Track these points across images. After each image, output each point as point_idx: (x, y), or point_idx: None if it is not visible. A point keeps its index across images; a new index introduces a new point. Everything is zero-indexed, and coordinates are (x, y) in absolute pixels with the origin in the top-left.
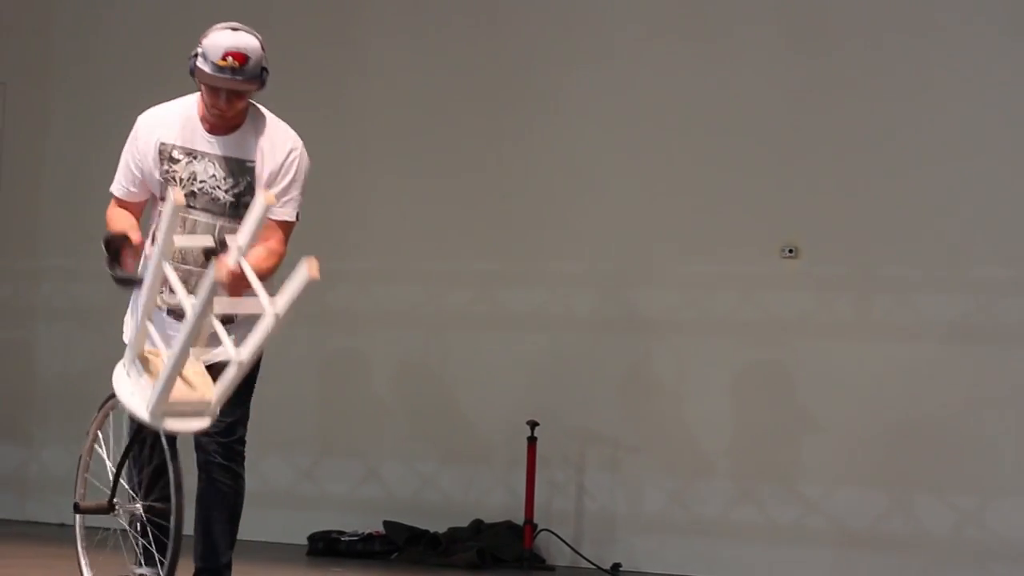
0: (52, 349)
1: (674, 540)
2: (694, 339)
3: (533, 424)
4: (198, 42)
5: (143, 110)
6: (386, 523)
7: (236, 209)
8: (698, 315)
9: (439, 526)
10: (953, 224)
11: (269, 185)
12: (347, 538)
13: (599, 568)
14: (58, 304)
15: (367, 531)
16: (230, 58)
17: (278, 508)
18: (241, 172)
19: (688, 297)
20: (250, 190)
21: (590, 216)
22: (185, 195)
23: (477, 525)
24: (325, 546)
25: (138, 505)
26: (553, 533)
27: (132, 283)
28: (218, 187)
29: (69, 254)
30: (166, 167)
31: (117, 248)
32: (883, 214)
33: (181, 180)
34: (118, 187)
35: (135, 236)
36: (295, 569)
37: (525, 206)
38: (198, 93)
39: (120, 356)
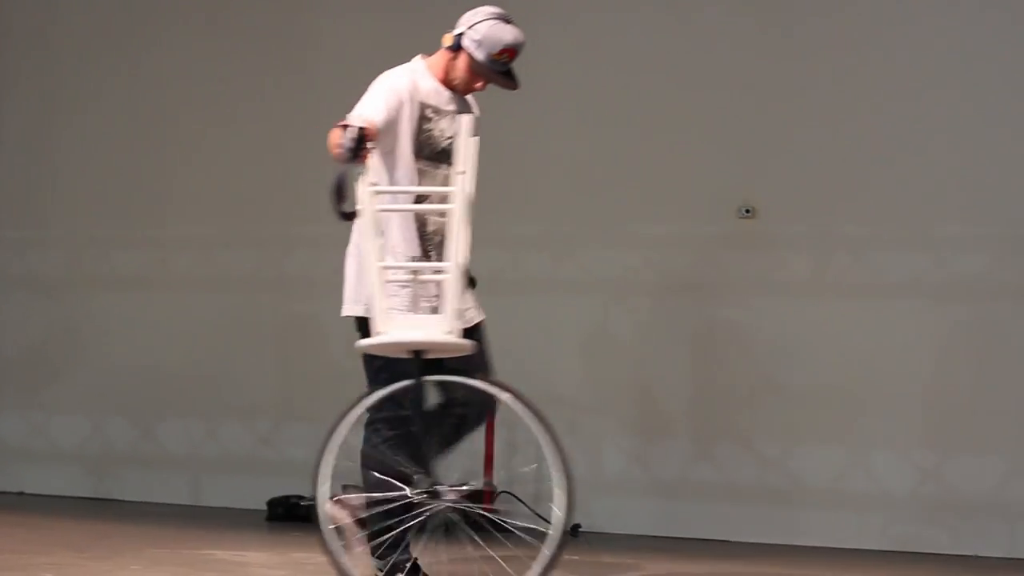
0: (9, 320)
1: (633, 501)
2: (652, 300)
3: None
4: (467, 20)
5: (98, 78)
6: (346, 487)
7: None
8: (656, 275)
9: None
10: (910, 182)
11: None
12: (307, 503)
13: None
14: (15, 272)
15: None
16: (506, 55)
17: (237, 474)
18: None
19: (646, 257)
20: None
21: (549, 177)
22: (437, 152)
23: None
24: (285, 511)
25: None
26: (513, 495)
27: (354, 217)
28: (450, 139)
29: (24, 225)
30: (424, 126)
31: (342, 184)
32: (839, 173)
33: (433, 139)
34: (362, 121)
35: (371, 128)
36: (255, 534)
37: (486, 172)
38: (420, 56)
39: (74, 325)
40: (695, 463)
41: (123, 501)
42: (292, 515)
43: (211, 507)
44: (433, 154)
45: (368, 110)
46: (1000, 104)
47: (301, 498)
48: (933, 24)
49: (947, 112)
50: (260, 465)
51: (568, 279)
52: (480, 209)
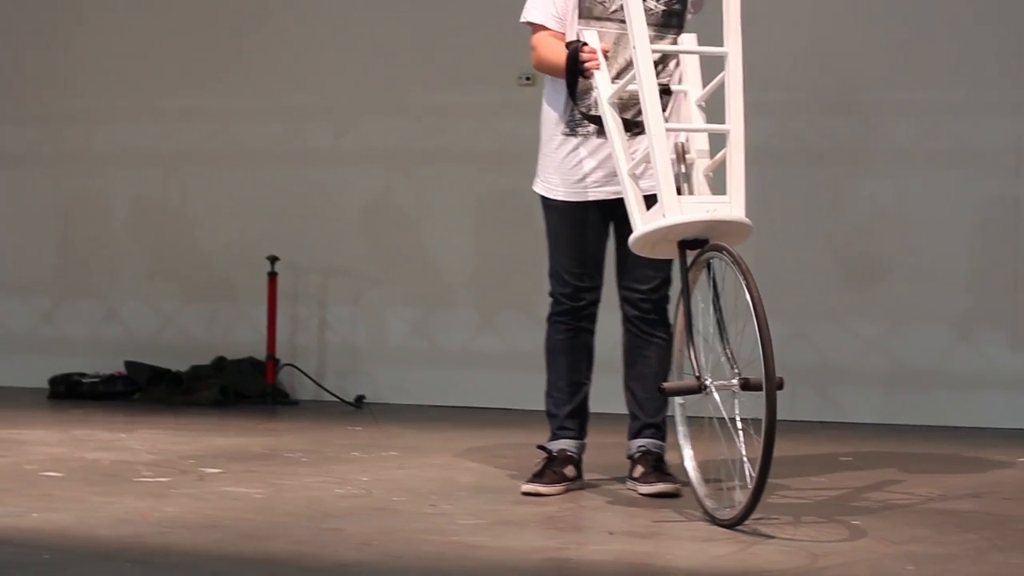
0: None
1: (417, 371)
2: (433, 169)
3: (273, 259)
4: None
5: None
6: (127, 363)
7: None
8: (437, 145)
9: (181, 365)
10: None
11: None
12: (88, 380)
13: (343, 401)
14: None
15: (109, 372)
16: None
17: (17, 352)
18: None
19: (426, 127)
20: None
21: (326, 49)
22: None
23: (219, 362)
24: (66, 388)
25: (734, 380)
26: (296, 368)
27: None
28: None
29: None
30: None
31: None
32: None
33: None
34: (540, 15)
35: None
36: (36, 412)
37: (260, 40)
38: None
39: None
40: (478, 332)
41: None
42: (74, 392)
43: None
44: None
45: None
46: None
47: (82, 375)
48: None
49: None
50: (40, 343)
51: (350, 150)
52: (261, 82)
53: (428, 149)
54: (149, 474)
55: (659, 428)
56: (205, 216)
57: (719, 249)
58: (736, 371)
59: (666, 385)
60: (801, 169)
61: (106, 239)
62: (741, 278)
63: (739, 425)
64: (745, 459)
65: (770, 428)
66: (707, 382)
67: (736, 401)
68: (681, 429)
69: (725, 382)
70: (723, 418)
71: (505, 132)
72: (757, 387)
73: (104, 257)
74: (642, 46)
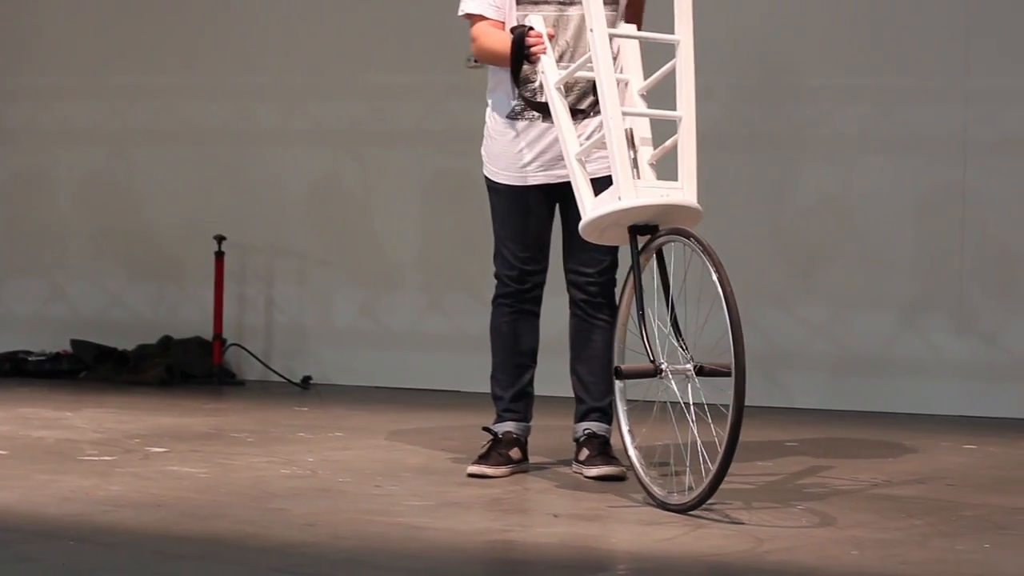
0: None
1: (364, 352)
2: (381, 150)
3: (220, 239)
4: None
5: None
6: (73, 342)
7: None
8: (385, 126)
9: (128, 343)
10: None
11: None
12: (34, 358)
13: (289, 381)
14: None
15: (54, 351)
16: None
17: None
18: None
19: (374, 108)
20: None
21: (275, 28)
22: None
23: (166, 342)
24: (12, 367)
25: (689, 365)
26: (243, 348)
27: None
28: None
29: None
30: None
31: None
32: None
33: None
34: (477, 5)
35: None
36: None
37: (209, 18)
38: None
39: None
40: (425, 313)
41: None
42: (19, 371)
43: None
44: None
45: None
46: None
47: (28, 354)
48: None
49: None
50: None
51: (298, 130)
52: (209, 61)
53: (376, 130)
54: (94, 453)
55: (605, 412)
56: (152, 195)
57: (686, 235)
58: (689, 357)
59: (624, 367)
60: (747, 155)
61: (52, 217)
62: (711, 266)
63: (692, 410)
64: (700, 444)
65: (737, 416)
66: (663, 366)
67: (689, 387)
68: (622, 413)
69: (681, 367)
70: (677, 402)
71: (453, 114)
72: (713, 373)
73: (50, 235)
74: (599, 28)
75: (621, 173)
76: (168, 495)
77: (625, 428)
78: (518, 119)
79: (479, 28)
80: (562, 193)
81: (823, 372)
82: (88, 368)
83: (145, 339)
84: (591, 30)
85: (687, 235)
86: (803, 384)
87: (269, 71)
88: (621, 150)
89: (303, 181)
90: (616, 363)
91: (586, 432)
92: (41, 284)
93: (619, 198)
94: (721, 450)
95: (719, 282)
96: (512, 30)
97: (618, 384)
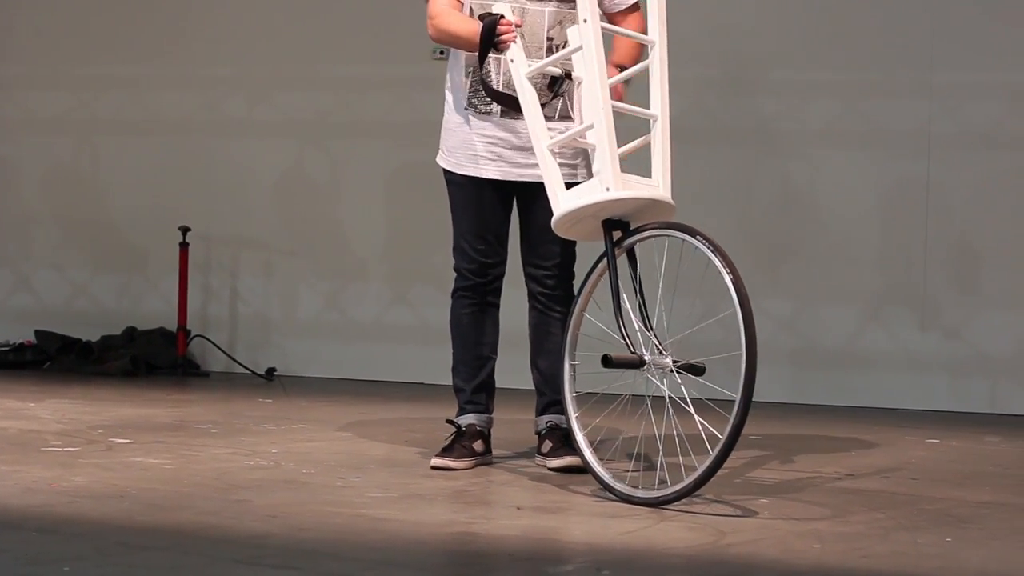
0: None
1: (328, 344)
2: (347, 142)
3: (185, 230)
4: None
5: None
6: (37, 332)
7: None
8: (350, 117)
9: (92, 334)
10: None
11: None
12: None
13: (254, 373)
14: None
15: (18, 341)
16: None
17: None
18: None
19: (340, 99)
20: None
21: (241, 19)
22: None
23: (130, 332)
24: None
25: (668, 359)
26: (207, 339)
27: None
28: None
29: None
30: None
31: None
32: None
33: None
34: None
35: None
36: None
37: (175, 8)
38: None
39: None
40: (390, 305)
41: None
42: None
43: None
44: None
45: None
46: None
47: (5, 344)
48: None
49: None
50: None
51: (263, 121)
52: (175, 51)
53: (341, 122)
54: (57, 444)
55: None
56: (117, 185)
57: (691, 233)
58: (663, 351)
59: (613, 356)
60: (713, 148)
61: (17, 207)
62: (722, 264)
63: (668, 404)
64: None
65: (740, 419)
66: (646, 358)
67: (665, 381)
68: (570, 405)
69: (662, 360)
70: (652, 396)
71: (418, 106)
72: (689, 369)
73: (14, 225)
74: (593, 19)
75: (610, 164)
76: (131, 486)
77: (574, 416)
78: (476, 111)
79: (438, 7)
80: (519, 189)
81: (787, 366)
82: (52, 359)
83: (109, 330)
84: (584, 20)
85: (692, 232)
86: (767, 378)
87: (235, 62)
88: (611, 141)
89: (269, 172)
90: (567, 351)
91: (548, 424)
92: (5, 274)
93: (607, 189)
94: (720, 449)
95: (732, 285)
96: (481, 17)
97: (567, 372)
